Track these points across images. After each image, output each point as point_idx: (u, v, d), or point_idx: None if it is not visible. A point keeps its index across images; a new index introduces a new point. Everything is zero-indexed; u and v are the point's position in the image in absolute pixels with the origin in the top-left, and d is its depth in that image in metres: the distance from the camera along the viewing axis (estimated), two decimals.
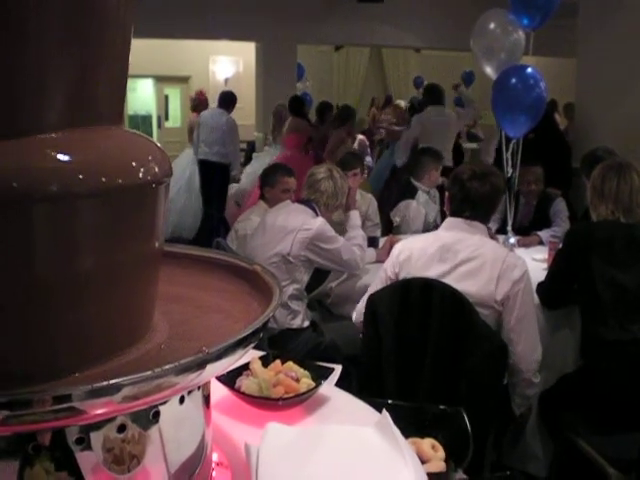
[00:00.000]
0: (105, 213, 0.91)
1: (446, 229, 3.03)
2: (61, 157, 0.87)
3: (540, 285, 3.35)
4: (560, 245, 3.90)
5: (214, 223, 7.30)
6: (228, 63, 13.28)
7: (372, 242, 4.30)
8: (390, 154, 9.14)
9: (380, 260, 3.97)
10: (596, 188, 3.13)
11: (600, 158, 4.06)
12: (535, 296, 3.32)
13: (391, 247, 4.03)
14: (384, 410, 1.22)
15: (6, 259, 0.87)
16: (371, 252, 4.08)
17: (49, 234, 0.88)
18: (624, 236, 3.04)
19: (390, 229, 4.87)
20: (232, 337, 0.88)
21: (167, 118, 14.49)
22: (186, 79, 13.65)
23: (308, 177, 3.85)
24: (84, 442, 0.88)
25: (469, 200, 2.94)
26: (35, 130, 0.88)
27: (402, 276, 3.00)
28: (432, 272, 2.90)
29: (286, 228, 3.58)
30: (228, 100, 8.19)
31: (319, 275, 3.85)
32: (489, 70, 4.37)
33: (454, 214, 3.02)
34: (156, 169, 0.95)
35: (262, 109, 9.19)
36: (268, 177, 4.50)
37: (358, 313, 3.11)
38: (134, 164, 0.93)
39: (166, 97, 14.35)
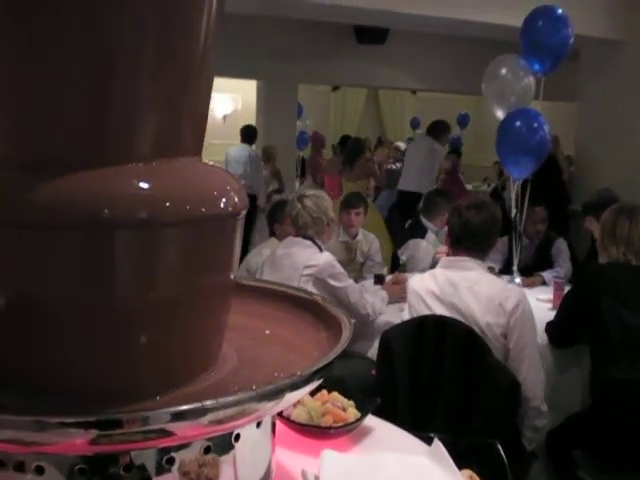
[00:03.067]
0: (188, 241, 0.93)
1: (443, 267, 3.13)
2: (149, 185, 0.90)
3: (549, 325, 3.39)
4: (565, 285, 3.96)
5: None
6: (227, 100, 13.38)
7: (379, 280, 4.31)
8: (387, 196, 9.30)
9: (391, 299, 3.95)
10: (607, 230, 3.19)
11: (605, 200, 4.14)
12: (544, 334, 3.38)
13: (395, 284, 4.07)
14: (436, 440, 1.25)
15: (91, 283, 0.89)
16: (384, 294, 3.98)
17: (135, 260, 0.91)
18: (634, 277, 3.10)
19: (397, 265, 4.90)
20: (316, 364, 0.91)
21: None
22: None
23: (287, 216, 3.79)
24: (165, 465, 0.90)
25: (466, 229, 3.04)
26: (124, 159, 0.92)
27: (412, 314, 3.09)
28: (437, 309, 2.98)
29: (295, 264, 3.56)
30: (250, 134, 8.51)
31: None
32: (500, 113, 4.46)
33: (453, 244, 3.12)
34: (236, 199, 0.98)
35: (262, 147, 9.28)
36: (276, 214, 4.54)
37: None
38: (216, 194, 0.96)
39: None
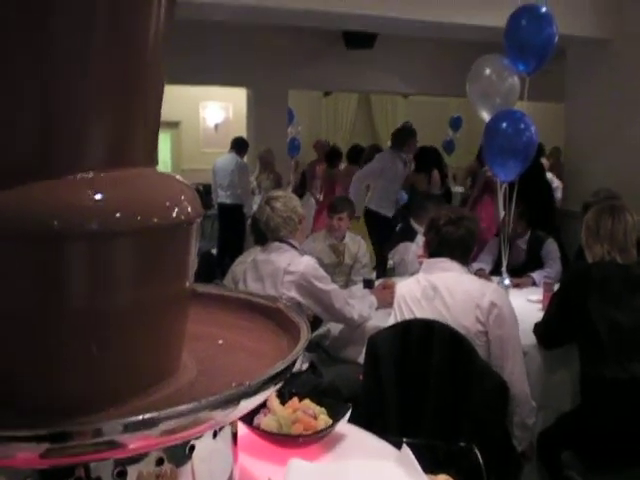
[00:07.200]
0: (140, 251, 0.93)
1: (424, 271, 3.20)
2: (99, 196, 0.90)
3: (537, 325, 3.39)
4: (554, 285, 3.95)
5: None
6: (218, 109, 13.41)
7: (368, 284, 4.30)
8: None
9: (380, 304, 3.90)
10: (591, 229, 3.19)
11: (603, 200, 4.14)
12: (533, 335, 3.37)
13: (384, 289, 4.04)
14: (404, 445, 1.24)
15: (42, 295, 0.89)
16: (372, 299, 3.87)
17: (86, 271, 0.90)
18: (620, 275, 3.09)
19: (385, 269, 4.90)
20: (266, 372, 0.90)
21: (157, 163, 14.57)
22: (176, 124, 13.75)
23: (259, 223, 3.71)
24: (120, 476, 0.89)
25: (445, 244, 3.12)
26: (73, 170, 0.91)
27: (396, 320, 3.13)
28: (419, 313, 3.04)
29: (276, 270, 3.48)
30: (240, 144, 8.60)
31: (315, 317, 3.81)
32: (485, 114, 4.44)
33: (432, 257, 3.19)
34: (189, 209, 0.98)
35: (253, 154, 9.28)
36: None
37: None
38: (168, 204, 0.96)
39: None
